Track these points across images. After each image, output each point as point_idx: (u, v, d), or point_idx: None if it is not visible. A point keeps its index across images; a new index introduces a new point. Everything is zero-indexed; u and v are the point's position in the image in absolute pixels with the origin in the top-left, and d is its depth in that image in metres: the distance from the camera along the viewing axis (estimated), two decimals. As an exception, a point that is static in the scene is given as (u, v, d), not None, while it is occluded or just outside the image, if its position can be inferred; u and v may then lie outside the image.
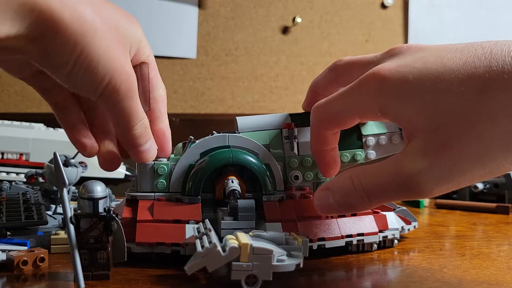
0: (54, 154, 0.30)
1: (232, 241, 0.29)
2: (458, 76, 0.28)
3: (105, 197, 0.32)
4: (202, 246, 0.30)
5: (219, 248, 0.28)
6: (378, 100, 0.31)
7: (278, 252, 0.30)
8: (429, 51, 0.31)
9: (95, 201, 0.31)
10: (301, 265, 0.30)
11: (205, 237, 0.31)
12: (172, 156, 0.41)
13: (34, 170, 0.58)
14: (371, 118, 0.33)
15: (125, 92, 0.34)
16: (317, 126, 0.35)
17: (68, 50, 0.31)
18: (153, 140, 0.38)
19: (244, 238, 0.29)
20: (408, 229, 0.46)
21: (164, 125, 0.41)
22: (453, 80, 0.28)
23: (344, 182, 0.32)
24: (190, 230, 0.37)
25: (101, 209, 0.32)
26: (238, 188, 0.37)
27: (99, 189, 0.32)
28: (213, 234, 0.31)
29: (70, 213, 0.30)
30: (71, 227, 0.30)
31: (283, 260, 0.29)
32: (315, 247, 0.38)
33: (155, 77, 0.41)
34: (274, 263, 0.29)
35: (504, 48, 0.28)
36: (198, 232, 0.34)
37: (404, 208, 0.48)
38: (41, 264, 0.35)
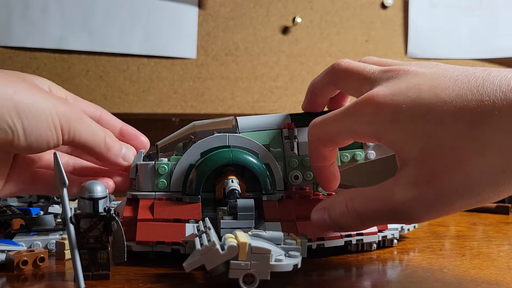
0: (54, 154, 0.30)
1: (230, 239, 0.29)
2: (450, 109, 0.29)
3: (105, 197, 0.32)
4: (201, 244, 0.30)
5: (217, 246, 0.29)
6: (372, 127, 0.32)
7: (276, 252, 0.30)
8: (424, 78, 0.31)
9: (95, 201, 0.31)
10: (299, 266, 0.30)
11: (204, 235, 0.31)
12: (173, 156, 0.41)
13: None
14: (367, 140, 0.35)
15: (77, 120, 0.36)
16: (314, 144, 0.37)
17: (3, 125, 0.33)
18: (124, 143, 0.41)
19: (243, 237, 0.30)
20: (408, 229, 0.46)
21: (120, 123, 0.44)
22: (445, 112, 0.29)
23: (339, 204, 0.33)
24: (190, 229, 0.37)
25: (101, 209, 0.32)
26: (238, 188, 0.37)
27: (99, 189, 0.32)
28: (212, 232, 0.31)
29: (70, 213, 0.30)
30: (71, 227, 0.30)
31: (281, 260, 0.29)
32: (314, 247, 0.38)
33: (78, 102, 0.43)
34: (272, 262, 0.29)
35: (496, 81, 0.29)
36: (198, 230, 0.34)
37: None
38: (41, 264, 0.35)
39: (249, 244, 0.28)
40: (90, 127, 0.37)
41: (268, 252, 0.28)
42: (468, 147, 0.29)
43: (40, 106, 0.34)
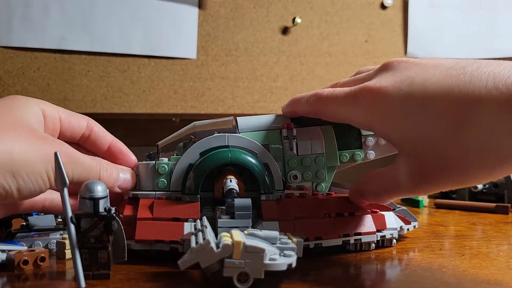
0: (55, 154, 0.30)
1: (225, 238, 0.29)
2: (438, 106, 0.31)
3: (106, 196, 0.32)
4: (197, 243, 0.30)
5: (212, 244, 0.29)
6: (366, 118, 0.34)
7: (270, 251, 0.30)
8: (417, 70, 0.33)
9: (95, 200, 0.31)
10: (294, 265, 0.30)
11: (200, 234, 0.31)
12: (173, 155, 0.41)
13: None
14: (361, 128, 0.38)
15: (69, 162, 0.36)
16: (315, 114, 0.40)
17: None
18: (121, 167, 0.40)
19: (238, 236, 0.30)
20: (408, 229, 0.46)
21: (110, 139, 0.43)
22: (432, 109, 0.31)
23: (360, 189, 0.39)
24: (188, 228, 0.37)
25: (101, 209, 0.32)
26: (236, 187, 0.37)
27: (100, 189, 0.32)
28: (208, 231, 0.32)
29: (70, 213, 0.30)
30: (72, 227, 0.30)
31: (275, 259, 0.29)
32: (311, 246, 0.38)
33: (75, 118, 0.42)
34: (266, 261, 0.29)
35: (483, 77, 0.30)
36: (195, 228, 0.34)
37: (404, 208, 0.48)
38: (41, 263, 0.35)
39: (244, 243, 0.28)
40: (83, 165, 0.37)
41: (262, 251, 0.28)
42: (451, 147, 0.30)
43: (35, 161, 0.34)
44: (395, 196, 0.37)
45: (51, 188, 0.36)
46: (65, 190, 0.30)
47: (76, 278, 0.29)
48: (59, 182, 0.30)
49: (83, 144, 0.43)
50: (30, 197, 0.35)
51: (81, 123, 0.42)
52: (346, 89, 0.36)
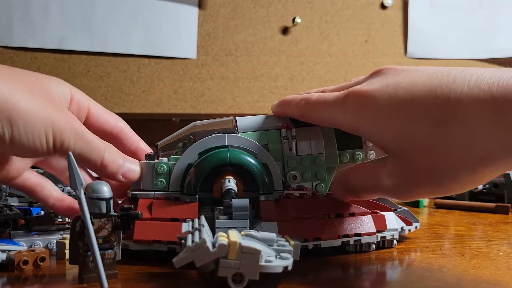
0: (68, 155, 0.29)
1: (222, 238, 0.29)
2: (421, 106, 0.31)
3: (112, 197, 0.32)
4: (193, 241, 0.30)
5: (208, 244, 0.29)
6: (353, 121, 0.35)
7: (266, 253, 0.30)
8: (404, 75, 0.34)
9: (107, 201, 0.31)
10: (290, 268, 0.30)
11: (197, 233, 0.31)
12: (173, 156, 0.41)
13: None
14: (348, 132, 0.37)
15: (73, 134, 0.36)
16: (304, 118, 0.40)
17: None
18: (129, 158, 0.40)
19: (234, 236, 0.29)
20: (409, 230, 0.45)
21: (138, 142, 0.44)
22: (416, 109, 0.31)
23: (342, 181, 0.39)
24: (186, 228, 0.37)
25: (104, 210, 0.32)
26: (234, 188, 0.37)
27: (106, 189, 0.32)
28: (204, 230, 0.31)
29: (89, 214, 0.29)
30: (91, 229, 0.29)
31: (271, 261, 0.29)
32: (310, 247, 0.38)
33: (106, 113, 0.43)
34: (262, 263, 0.29)
35: (466, 77, 0.30)
36: (192, 227, 0.34)
37: (406, 208, 0.48)
38: (41, 263, 0.35)
39: (239, 244, 0.28)
40: (87, 142, 0.36)
41: (258, 252, 0.28)
42: (434, 145, 0.31)
43: (35, 117, 0.34)
44: (375, 194, 0.37)
45: (49, 153, 0.36)
46: (82, 191, 0.29)
47: (99, 280, 0.28)
48: (75, 183, 0.29)
49: (109, 141, 0.43)
50: (25, 154, 0.35)
51: (111, 120, 0.42)
52: (335, 93, 0.36)
